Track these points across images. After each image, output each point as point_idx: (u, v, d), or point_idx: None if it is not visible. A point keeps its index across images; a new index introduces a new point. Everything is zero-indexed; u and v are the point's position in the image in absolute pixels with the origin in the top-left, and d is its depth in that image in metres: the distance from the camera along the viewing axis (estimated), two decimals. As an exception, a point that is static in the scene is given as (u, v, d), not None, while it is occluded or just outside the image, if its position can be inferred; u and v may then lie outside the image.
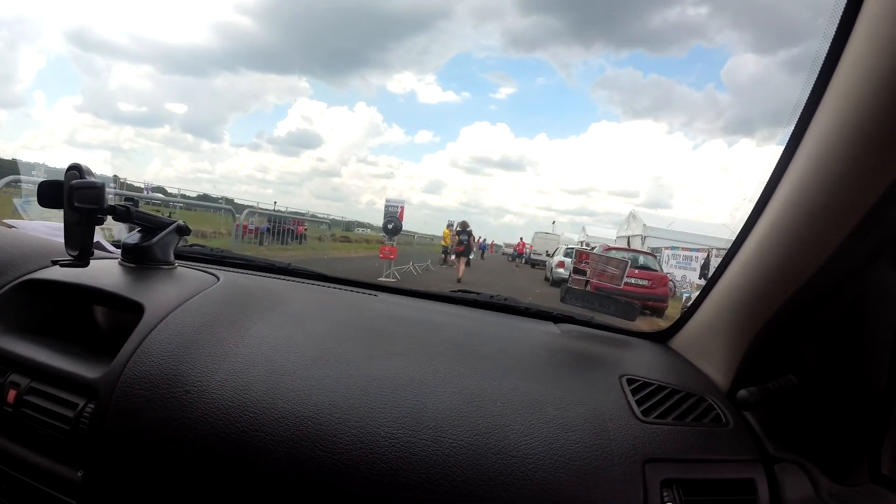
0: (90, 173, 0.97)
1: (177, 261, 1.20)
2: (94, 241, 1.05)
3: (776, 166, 0.76)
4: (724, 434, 0.83)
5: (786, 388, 0.80)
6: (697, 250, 19.03)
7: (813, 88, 0.67)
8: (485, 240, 25.10)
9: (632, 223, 25.20)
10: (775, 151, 0.76)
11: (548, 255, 24.32)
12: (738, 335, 0.87)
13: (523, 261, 31.84)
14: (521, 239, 38.63)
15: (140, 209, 1.11)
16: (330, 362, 0.85)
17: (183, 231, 1.17)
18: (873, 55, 0.55)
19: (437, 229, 23.70)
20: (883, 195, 0.57)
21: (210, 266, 1.35)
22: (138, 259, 1.11)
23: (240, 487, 0.73)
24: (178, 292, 0.99)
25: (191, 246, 1.59)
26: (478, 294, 1.47)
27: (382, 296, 1.39)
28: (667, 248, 21.38)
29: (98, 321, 1.11)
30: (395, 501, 0.70)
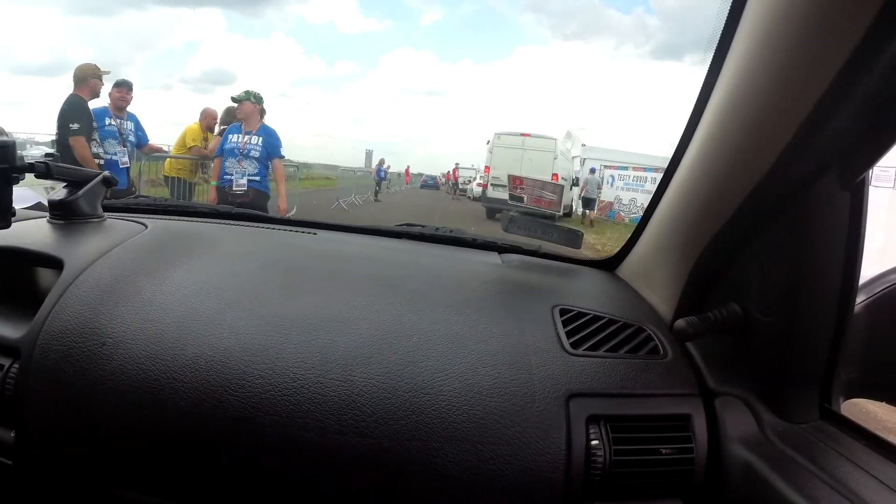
0: (1, 132, 0.48)
1: (116, 212, 1.24)
2: (36, 202, 1.23)
3: (706, 76, 0.73)
4: (660, 366, 0.81)
5: (729, 318, 0.77)
6: (655, 170, 17.78)
7: None
8: (381, 169, 23.03)
9: (568, 143, 23.50)
10: (706, 60, 0.72)
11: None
12: (679, 261, 0.86)
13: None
14: (457, 165, 37.13)
15: (62, 164, 1.09)
16: (244, 304, 0.83)
17: (109, 182, 1.15)
18: None
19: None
20: (825, 94, 0.52)
21: (148, 216, 1.30)
22: (65, 215, 1.10)
23: (152, 436, 0.73)
24: (99, 244, 0.98)
25: (136, 197, 1.63)
26: (423, 227, 1.44)
27: (322, 234, 1.34)
28: (610, 167, 20.23)
29: (23, 281, 1.07)
30: (304, 444, 0.70)
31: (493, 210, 16.04)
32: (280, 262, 1.01)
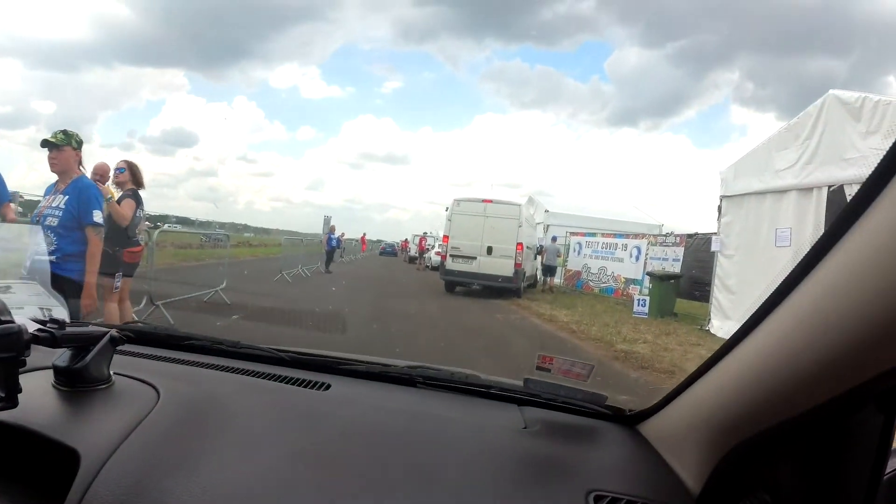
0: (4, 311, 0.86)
1: (117, 358, 1.16)
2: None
3: (792, 273, 0.65)
4: None
5: None
6: (626, 236, 16.74)
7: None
8: (332, 236, 21.52)
9: (531, 209, 22.50)
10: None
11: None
12: (716, 443, 0.84)
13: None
14: (425, 234, 35.66)
15: (67, 329, 0.99)
16: None
17: (116, 342, 1.10)
18: None
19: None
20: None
21: (153, 351, 1.33)
22: (70, 382, 1.04)
23: None
24: (114, 426, 0.92)
25: (135, 323, 1.68)
26: (437, 370, 1.41)
27: (336, 385, 1.27)
28: (576, 234, 19.34)
29: (30, 463, 0.97)
30: None
31: (453, 283, 14.93)
32: (305, 448, 0.96)
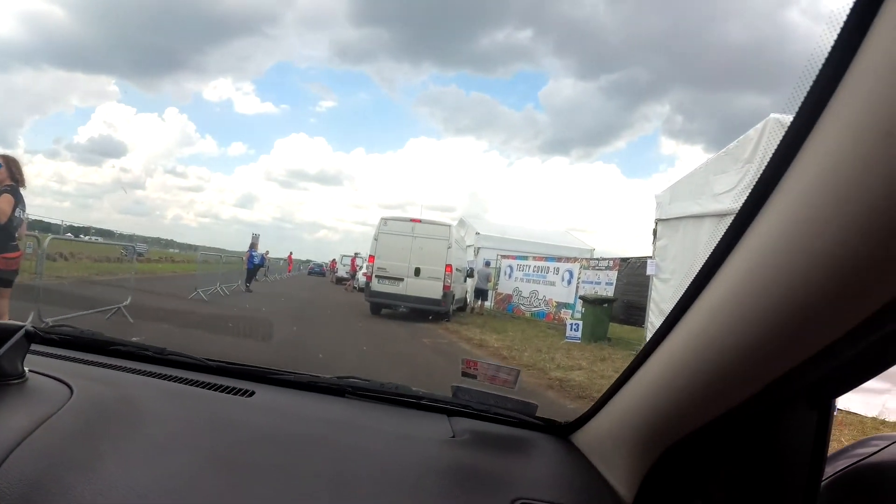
0: None
1: (37, 347, 1.20)
2: None
3: (697, 279, 0.66)
4: None
5: None
6: (557, 259, 16.49)
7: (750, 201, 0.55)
8: (254, 253, 20.44)
9: (461, 231, 22.15)
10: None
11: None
12: (644, 450, 0.84)
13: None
14: (356, 255, 34.52)
15: None
16: None
17: (32, 337, 1.05)
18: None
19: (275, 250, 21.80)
20: (823, 350, 0.51)
21: (74, 353, 1.30)
22: None
23: None
24: (22, 421, 0.88)
25: (59, 326, 1.54)
26: (367, 382, 1.38)
27: (260, 393, 1.24)
28: (507, 257, 19.01)
29: None
30: None
31: (379, 305, 14.12)
32: (220, 453, 0.93)
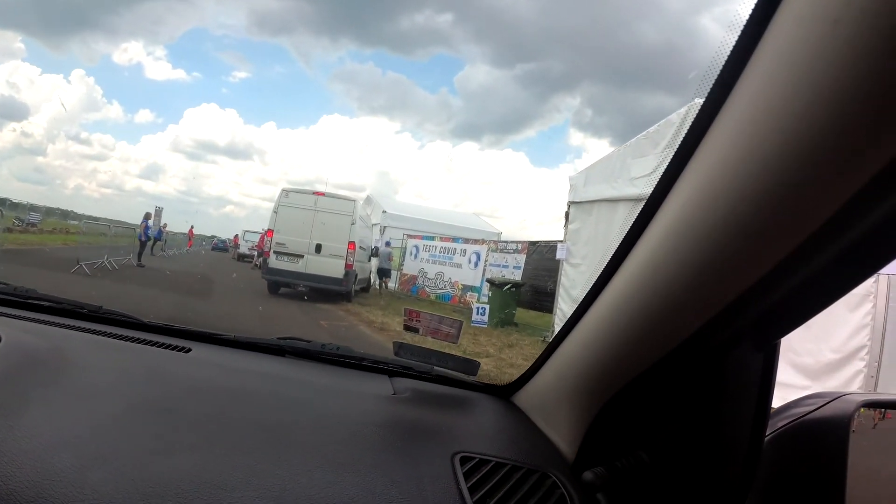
0: None
1: None
2: None
3: (632, 227, 0.68)
4: None
5: (636, 466, 0.79)
6: (465, 241, 16.00)
7: (679, 151, 0.58)
8: (150, 225, 18.78)
9: (368, 209, 21.32)
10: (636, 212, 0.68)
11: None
12: (585, 404, 0.85)
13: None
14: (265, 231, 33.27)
15: None
16: (111, 461, 0.73)
17: None
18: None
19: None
20: (765, 275, 0.52)
21: (9, 310, 1.24)
22: None
23: None
24: None
25: None
26: (308, 343, 1.37)
27: (197, 349, 1.23)
28: (413, 236, 18.37)
29: None
30: None
31: (277, 284, 12.97)
32: (151, 402, 0.91)
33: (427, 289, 16.72)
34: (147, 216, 18.66)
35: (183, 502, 0.68)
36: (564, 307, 9.55)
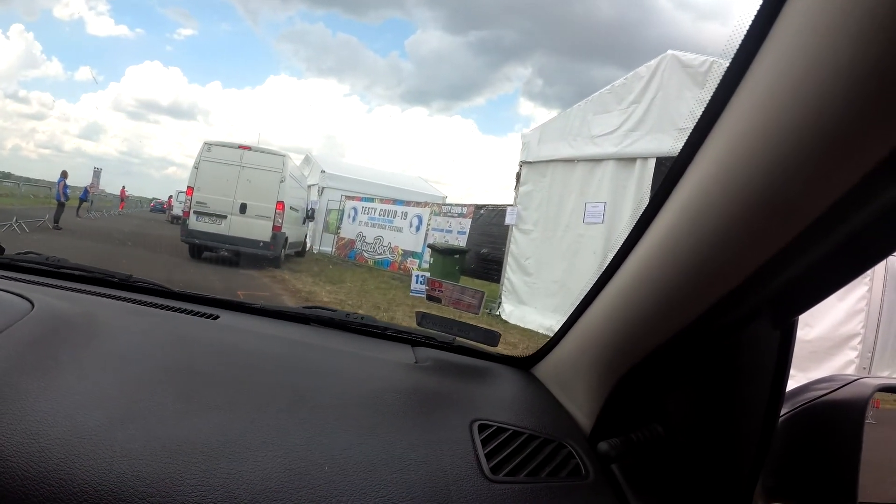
0: None
1: (4, 273, 1.22)
2: None
3: (652, 199, 0.69)
4: (582, 489, 0.80)
5: (651, 439, 0.80)
6: (406, 203, 14.94)
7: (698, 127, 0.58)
8: (67, 184, 17.52)
9: (305, 169, 19.95)
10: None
11: None
12: (602, 376, 0.85)
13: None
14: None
15: None
16: (138, 420, 0.75)
17: None
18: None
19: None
20: (782, 249, 0.52)
21: (40, 279, 1.26)
22: None
23: None
24: None
25: (25, 253, 1.47)
26: (333, 312, 1.40)
27: (225, 317, 1.26)
28: (352, 198, 17.22)
29: None
30: None
31: (199, 248, 11.58)
32: (179, 364, 0.93)
33: (365, 254, 15.65)
34: (64, 174, 17.35)
35: (208, 460, 0.70)
36: (513, 277, 8.77)
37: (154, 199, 58.57)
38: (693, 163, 0.59)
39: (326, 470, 0.72)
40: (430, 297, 1.32)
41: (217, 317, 1.23)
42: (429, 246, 12.34)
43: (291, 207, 12.54)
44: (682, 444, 0.77)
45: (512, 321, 8.31)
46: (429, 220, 13.75)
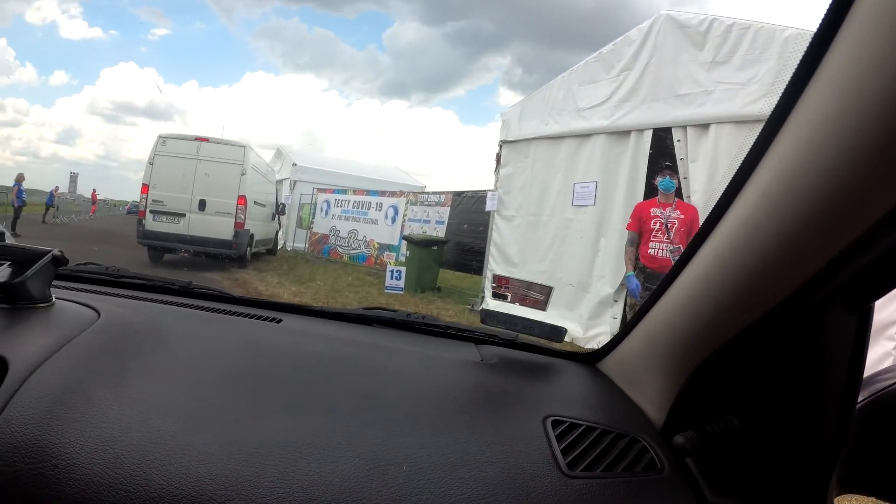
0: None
1: (64, 284, 1.21)
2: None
3: (729, 185, 0.66)
4: (658, 483, 0.79)
5: (726, 430, 0.78)
6: (380, 194, 14.09)
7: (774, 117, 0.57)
8: (22, 188, 17.04)
9: (276, 164, 19.12)
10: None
11: None
12: (675, 369, 0.84)
13: None
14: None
15: (6, 241, 1.07)
16: (213, 424, 0.76)
17: (59, 262, 1.07)
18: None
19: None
20: (862, 234, 0.52)
21: (101, 289, 1.28)
22: (9, 299, 0.99)
23: None
24: (48, 340, 0.89)
25: (86, 264, 1.50)
26: (394, 312, 1.41)
27: (288, 320, 1.26)
28: (324, 190, 16.34)
29: None
30: None
31: (157, 249, 10.79)
32: (247, 368, 0.94)
33: (340, 249, 14.80)
34: (19, 178, 16.64)
35: (285, 462, 0.70)
36: (496, 268, 8.03)
37: (132, 202, 59.29)
38: (772, 145, 0.58)
39: (405, 469, 0.72)
40: (495, 295, 1.45)
41: (280, 320, 1.24)
42: (404, 238, 11.54)
43: (256, 202, 11.73)
44: (757, 435, 0.76)
45: (497, 317, 7.61)
46: (405, 210, 12.95)
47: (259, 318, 1.23)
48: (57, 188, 21.94)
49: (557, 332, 1.19)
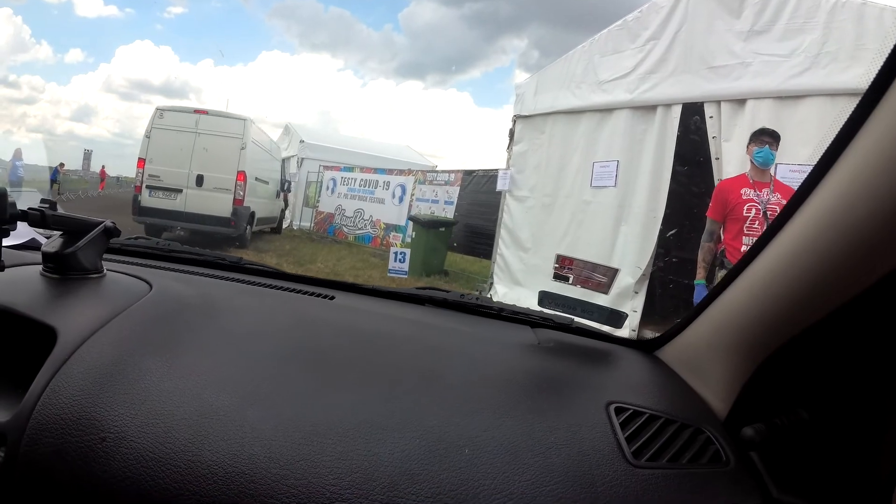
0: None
1: (116, 258, 1.23)
2: (30, 237, 1.20)
3: (811, 174, 0.64)
4: (724, 476, 0.76)
5: (796, 424, 0.75)
6: (388, 172, 13.59)
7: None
8: (18, 164, 15.99)
9: (284, 141, 18.84)
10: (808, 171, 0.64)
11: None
12: (743, 361, 0.80)
13: None
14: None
15: (59, 211, 1.02)
16: (269, 400, 0.75)
17: (111, 233, 1.07)
18: None
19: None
20: None
21: (151, 262, 1.30)
22: (61, 269, 0.99)
23: None
24: (99, 311, 0.89)
25: (136, 238, 1.51)
26: (447, 293, 1.39)
27: (341, 297, 1.26)
28: (331, 168, 15.85)
29: (11, 346, 0.93)
30: None
31: (154, 227, 10.21)
32: (302, 343, 0.93)
33: (345, 229, 14.38)
34: (17, 153, 16.00)
35: (344, 441, 0.68)
36: (506, 252, 7.58)
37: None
38: (870, 118, 0.56)
39: (467, 453, 0.70)
40: (556, 277, 1.24)
41: (333, 297, 1.22)
42: (410, 218, 11.09)
43: (258, 178, 11.32)
44: (826, 430, 0.73)
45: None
46: (413, 189, 12.46)
47: (312, 294, 1.23)
48: (62, 164, 21.48)
49: (618, 317, 1.18)
